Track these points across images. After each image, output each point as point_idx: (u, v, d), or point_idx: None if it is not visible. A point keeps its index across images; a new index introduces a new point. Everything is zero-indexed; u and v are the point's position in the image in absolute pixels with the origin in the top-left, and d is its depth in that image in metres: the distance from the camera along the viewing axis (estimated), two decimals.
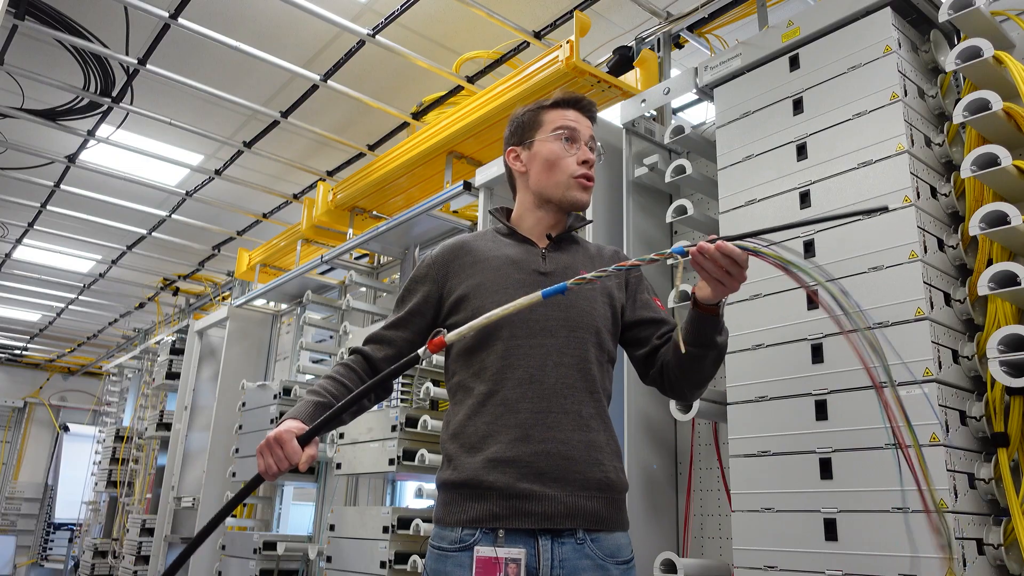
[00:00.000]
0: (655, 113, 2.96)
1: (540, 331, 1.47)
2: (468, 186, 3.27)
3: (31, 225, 6.47)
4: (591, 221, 1.74)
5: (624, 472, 1.51)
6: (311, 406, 1.43)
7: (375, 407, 3.35)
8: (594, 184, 1.61)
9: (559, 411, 1.43)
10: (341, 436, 3.47)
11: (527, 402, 1.43)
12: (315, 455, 1.35)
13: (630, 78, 3.23)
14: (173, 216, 6.10)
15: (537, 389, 1.43)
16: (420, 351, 1.37)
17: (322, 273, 4.84)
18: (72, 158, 5.23)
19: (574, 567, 1.36)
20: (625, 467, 2.00)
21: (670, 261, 1.28)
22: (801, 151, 2.11)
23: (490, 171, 3.08)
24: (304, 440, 1.34)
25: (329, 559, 3.29)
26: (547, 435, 1.41)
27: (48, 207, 6.03)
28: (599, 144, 1.63)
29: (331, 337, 4.62)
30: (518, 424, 1.41)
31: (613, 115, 2.78)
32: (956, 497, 1.65)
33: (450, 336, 1.35)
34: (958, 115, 1.88)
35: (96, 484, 7.59)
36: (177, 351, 5.93)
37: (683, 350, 1.40)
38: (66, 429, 11.03)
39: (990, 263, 1.84)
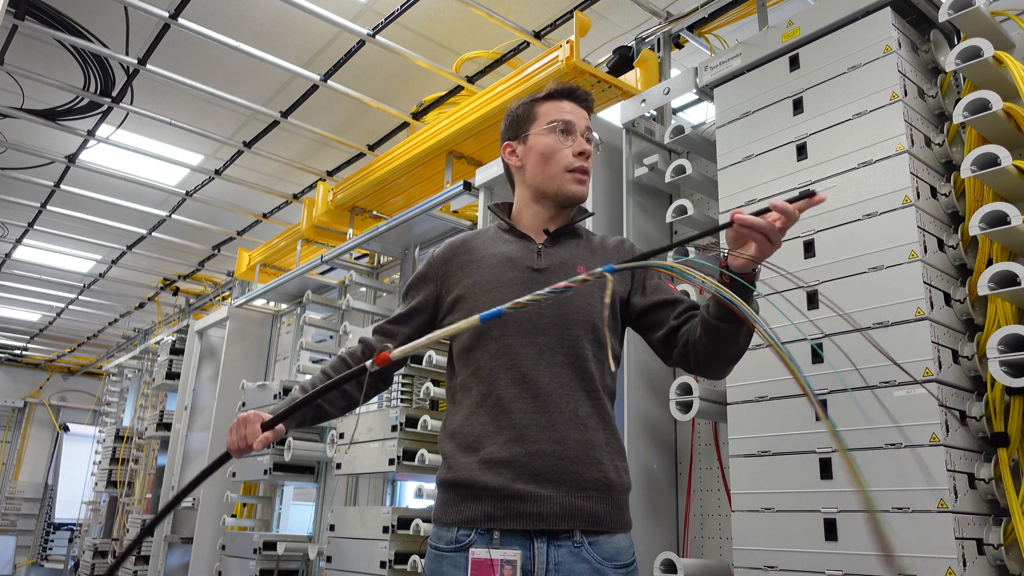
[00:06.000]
0: (655, 113, 2.96)
1: (532, 330, 1.45)
2: (468, 186, 3.27)
3: (31, 225, 6.46)
4: (593, 213, 1.72)
5: (627, 472, 1.48)
6: (289, 400, 1.46)
7: (375, 405, 3.37)
8: (590, 176, 1.58)
9: (554, 410, 1.41)
10: (341, 436, 3.47)
11: (521, 402, 1.41)
12: (270, 439, 1.40)
13: (630, 78, 3.23)
14: (173, 216, 6.09)
15: (531, 389, 1.42)
16: (368, 363, 1.31)
17: (322, 273, 4.84)
18: (72, 158, 5.23)
19: (570, 570, 1.34)
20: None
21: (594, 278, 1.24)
22: (801, 151, 2.11)
23: (490, 171, 3.08)
24: (265, 426, 1.40)
25: (329, 559, 3.29)
26: (542, 435, 1.39)
27: (48, 207, 6.02)
28: (596, 135, 1.60)
29: (331, 337, 4.62)
30: (512, 424, 1.40)
31: (613, 115, 2.78)
32: (956, 497, 1.65)
33: (395, 352, 1.30)
34: (958, 115, 1.88)
35: (96, 484, 7.59)
36: (177, 351, 5.93)
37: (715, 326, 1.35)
38: (66, 429, 11.02)
39: (990, 263, 1.84)
